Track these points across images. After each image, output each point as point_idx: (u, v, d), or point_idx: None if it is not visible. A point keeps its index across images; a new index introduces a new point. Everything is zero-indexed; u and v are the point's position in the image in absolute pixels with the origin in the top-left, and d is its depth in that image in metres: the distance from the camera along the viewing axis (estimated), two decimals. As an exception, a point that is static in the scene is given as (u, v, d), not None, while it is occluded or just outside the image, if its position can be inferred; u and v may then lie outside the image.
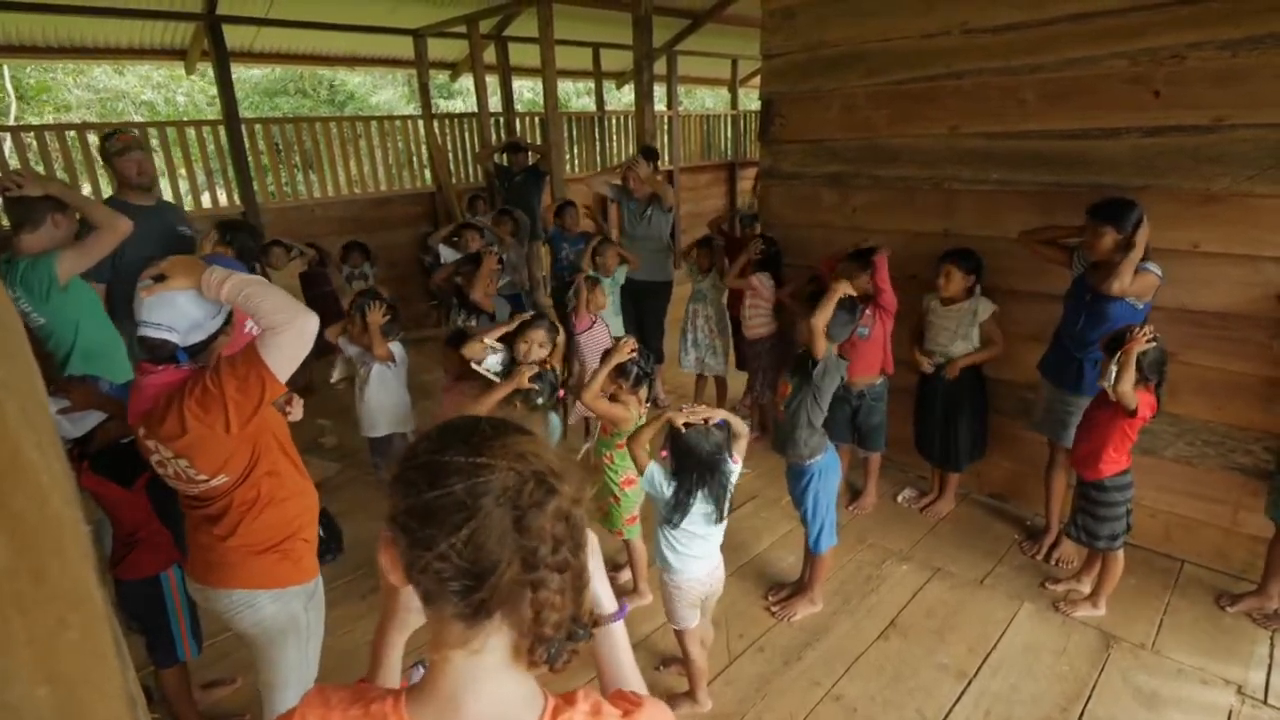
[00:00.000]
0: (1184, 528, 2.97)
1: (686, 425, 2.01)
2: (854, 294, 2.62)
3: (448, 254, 4.88)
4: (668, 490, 2.08)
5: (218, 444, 1.54)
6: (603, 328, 3.94)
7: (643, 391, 2.52)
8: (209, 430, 1.50)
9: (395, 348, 3.23)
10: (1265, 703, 2.27)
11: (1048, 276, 3.00)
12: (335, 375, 4.32)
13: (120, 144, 3.13)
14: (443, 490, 0.68)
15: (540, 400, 2.54)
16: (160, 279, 1.52)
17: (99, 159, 5.35)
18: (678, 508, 2.06)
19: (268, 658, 1.75)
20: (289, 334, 1.48)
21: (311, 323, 1.51)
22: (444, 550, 0.67)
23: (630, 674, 0.97)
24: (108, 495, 1.94)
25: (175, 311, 1.53)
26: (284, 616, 1.72)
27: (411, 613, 0.93)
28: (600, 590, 0.97)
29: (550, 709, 0.77)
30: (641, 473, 2.13)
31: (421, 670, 0.79)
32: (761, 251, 3.82)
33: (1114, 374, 2.32)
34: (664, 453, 2.10)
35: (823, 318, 2.45)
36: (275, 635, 1.73)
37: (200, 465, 1.56)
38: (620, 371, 2.44)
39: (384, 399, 3.24)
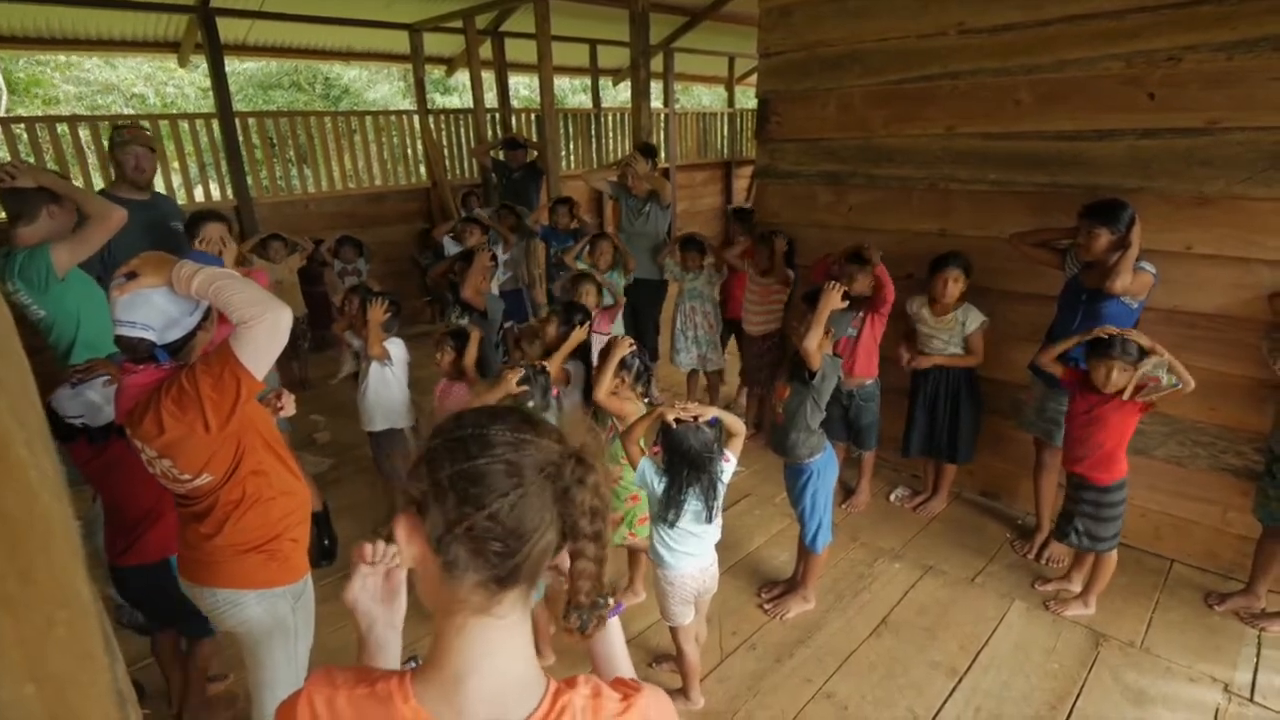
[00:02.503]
0: (1174, 527, 2.99)
1: (677, 421, 2.00)
2: (844, 305, 2.60)
3: (452, 249, 4.85)
4: (659, 486, 2.07)
5: (198, 443, 1.52)
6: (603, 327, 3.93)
7: (640, 388, 2.49)
8: (188, 430, 1.48)
9: (395, 347, 3.19)
10: (1251, 700, 2.29)
11: (1041, 278, 3.01)
12: (345, 369, 4.27)
13: (126, 136, 3.15)
14: (493, 456, 0.74)
15: (531, 403, 2.52)
16: (132, 277, 1.49)
17: (90, 151, 5.35)
18: (671, 505, 2.06)
19: (255, 657, 1.74)
20: (261, 328, 1.44)
21: (285, 316, 1.48)
22: (494, 510, 0.72)
23: (624, 666, 0.99)
24: (138, 461, 1.85)
25: (150, 309, 1.50)
26: (270, 617, 1.70)
27: (387, 645, 0.93)
28: None
29: (552, 691, 0.79)
30: (635, 468, 2.12)
31: (415, 666, 0.80)
32: (786, 245, 3.81)
33: (1165, 377, 2.38)
34: (656, 449, 2.09)
35: (814, 338, 2.44)
36: (261, 635, 1.71)
37: (182, 465, 1.54)
38: (622, 365, 2.40)
39: (384, 394, 3.22)
